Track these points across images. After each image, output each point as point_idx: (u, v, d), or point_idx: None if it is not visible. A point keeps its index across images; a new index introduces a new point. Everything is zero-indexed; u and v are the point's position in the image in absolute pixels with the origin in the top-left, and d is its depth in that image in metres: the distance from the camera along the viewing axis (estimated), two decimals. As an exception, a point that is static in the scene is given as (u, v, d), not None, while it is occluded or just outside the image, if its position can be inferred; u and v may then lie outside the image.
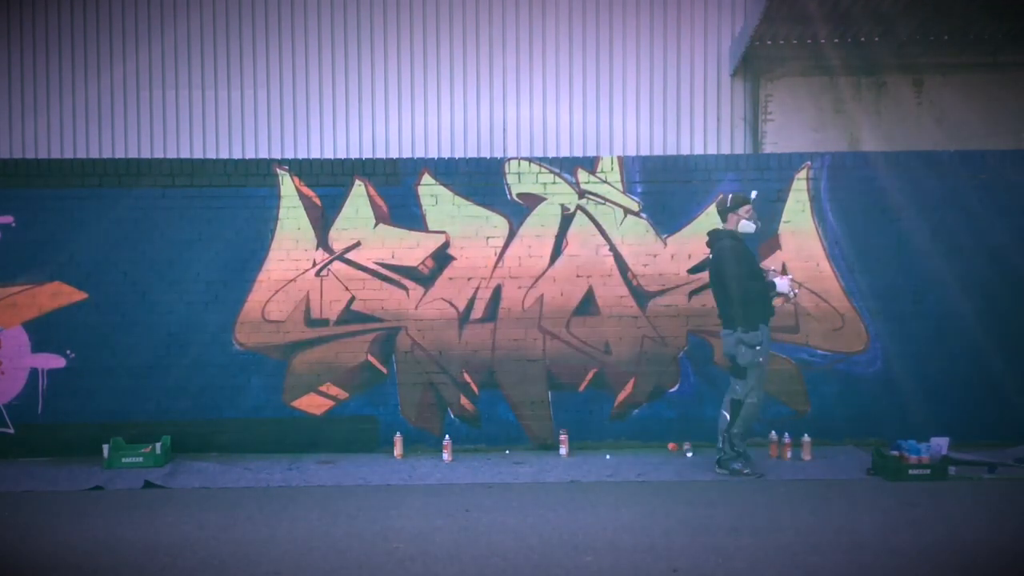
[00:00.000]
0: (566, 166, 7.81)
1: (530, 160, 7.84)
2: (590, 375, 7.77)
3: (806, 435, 7.33)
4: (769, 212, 7.77)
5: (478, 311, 7.79)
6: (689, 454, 7.45)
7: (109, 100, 10.66)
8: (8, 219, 7.61)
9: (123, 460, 7.18)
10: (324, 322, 7.73)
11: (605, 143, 10.63)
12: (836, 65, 10.33)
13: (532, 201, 7.79)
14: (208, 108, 10.66)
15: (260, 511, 5.88)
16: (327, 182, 7.76)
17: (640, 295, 7.80)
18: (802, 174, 7.82)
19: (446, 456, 7.39)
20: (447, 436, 7.53)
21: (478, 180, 7.79)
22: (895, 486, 6.42)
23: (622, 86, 10.64)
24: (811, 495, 6.18)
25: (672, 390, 7.79)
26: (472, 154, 10.40)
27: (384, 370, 7.78)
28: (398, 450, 7.54)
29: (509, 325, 7.77)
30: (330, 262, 7.74)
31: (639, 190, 7.81)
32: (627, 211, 7.81)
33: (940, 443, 6.83)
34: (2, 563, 4.89)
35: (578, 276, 7.78)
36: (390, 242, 7.76)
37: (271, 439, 7.69)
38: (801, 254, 7.81)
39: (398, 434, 7.58)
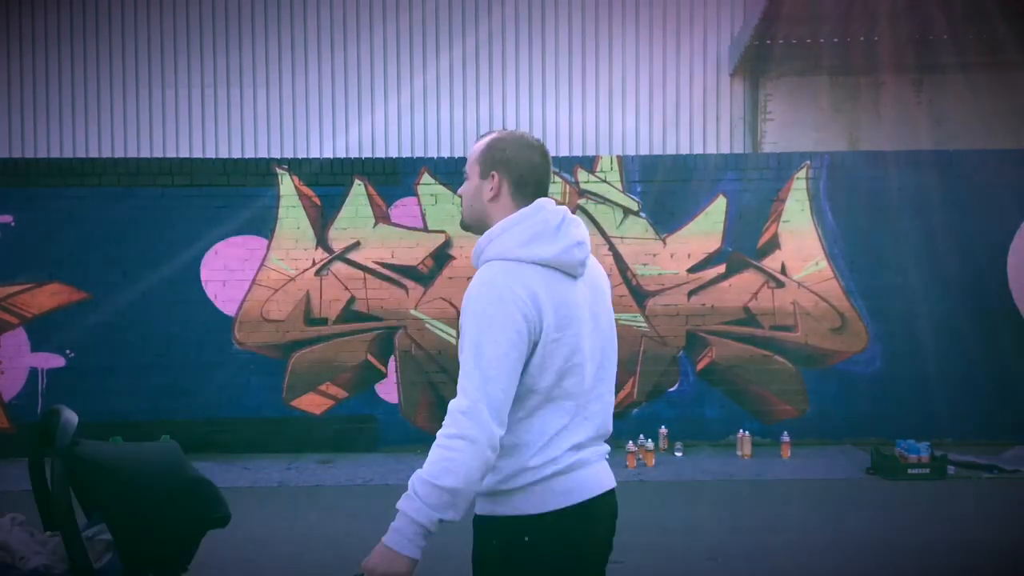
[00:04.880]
0: (565, 165, 7.81)
1: (529, 160, 7.83)
2: (589, 375, 7.75)
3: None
4: (768, 212, 7.79)
5: (477, 311, 7.77)
6: (679, 453, 7.44)
7: (109, 100, 10.66)
8: (8, 219, 7.61)
9: (122, 459, 7.17)
10: (323, 321, 7.73)
11: (604, 142, 10.62)
12: (835, 65, 10.31)
13: (531, 201, 7.78)
14: (208, 108, 10.66)
15: (259, 510, 5.88)
16: (326, 181, 7.76)
17: (639, 294, 7.80)
18: (801, 174, 7.83)
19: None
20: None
21: (477, 179, 7.77)
22: (894, 485, 6.42)
23: (621, 86, 10.63)
24: (811, 495, 6.19)
25: (672, 389, 7.79)
26: (472, 154, 10.40)
27: (384, 369, 7.77)
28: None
29: (508, 325, 7.76)
30: (330, 261, 7.74)
31: (638, 189, 7.81)
32: (626, 210, 7.81)
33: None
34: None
35: (577, 276, 7.77)
36: (390, 241, 7.76)
37: (270, 438, 7.68)
38: (800, 253, 7.81)
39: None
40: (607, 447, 2.04)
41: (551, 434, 1.88)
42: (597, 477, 1.95)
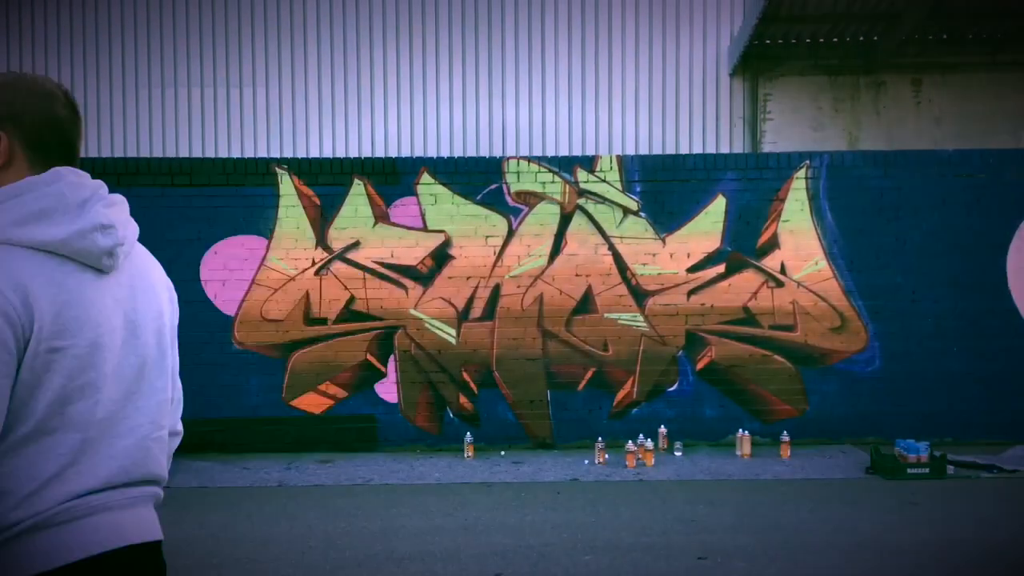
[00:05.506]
0: (565, 165, 7.81)
1: (529, 159, 7.84)
2: (589, 374, 7.77)
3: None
4: (767, 211, 7.80)
5: (477, 310, 7.79)
6: (678, 453, 7.44)
7: (108, 100, 10.66)
8: (7, 218, 7.61)
9: (122, 459, 7.17)
10: (323, 321, 7.74)
11: (604, 142, 10.63)
12: (835, 64, 10.34)
13: (531, 200, 7.79)
14: (208, 107, 10.66)
15: (259, 510, 5.88)
16: (326, 181, 7.76)
17: (639, 294, 7.80)
18: (801, 173, 7.83)
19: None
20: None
21: (477, 179, 7.79)
22: (893, 485, 6.43)
23: (621, 85, 10.64)
24: (810, 494, 6.19)
25: (671, 389, 7.80)
26: (471, 153, 10.41)
27: (383, 369, 7.78)
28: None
29: (508, 324, 7.78)
30: (329, 261, 7.75)
31: (638, 189, 7.82)
32: (626, 210, 7.81)
33: None
34: None
35: (577, 275, 7.79)
36: (389, 241, 7.77)
37: (270, 438, 7.69)
38: (800, 253, 7.81)
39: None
40: (154, 490, 1.62)
41: (43, 479, 1.42)
42: (120, 526, 1.51)
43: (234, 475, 6.93)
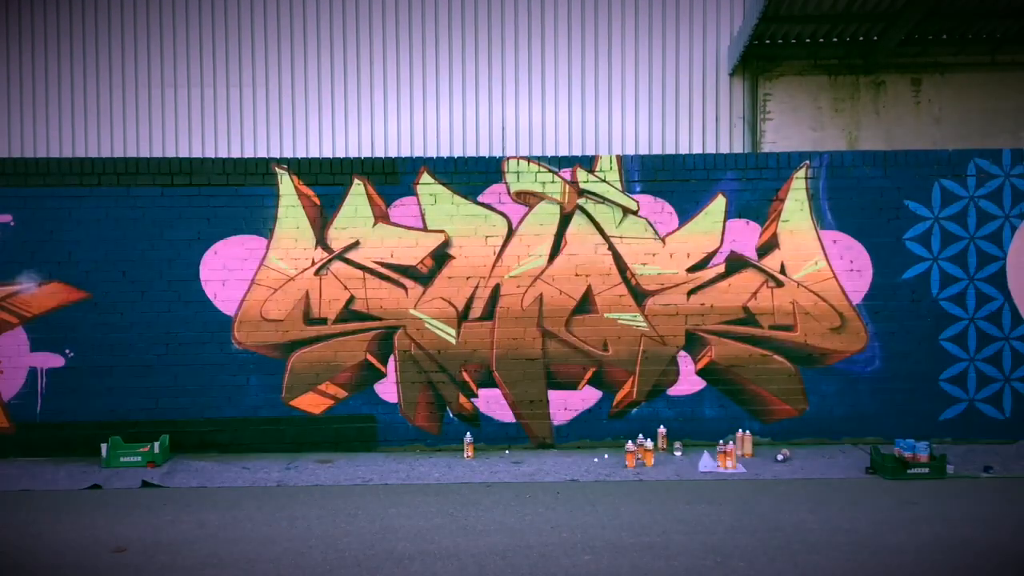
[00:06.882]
0: (565, 165, 7.81)
1: (529, 159, 7.84)
2: (589, 374, 7.77)
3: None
4: (767, 211, 7.80)
5: (477, 310, 7.79)
6: (678, 453, 7.45)
7: (108, 100, 10.66)
8: (7, 218, 7.61)
9: (121, 459, 7.18)
10: (323, 321, 7.74)
11: (604, 142, 10.63)
12: (834, 64, 10.35)
13: (531, 200, 7.79)
14: (207, 107, 10.66)
15: (259, 510, 5.89)
16: (326, 181, 7.76)
17: (639, 294, 7.80)
18: (801, 173, 7.83)
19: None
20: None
21: (477, 179, 7.79)
22: (893, 484, 6.43)
23: (621, 85, 10.64)
24: (810, 494, 6.19)
25: (671, 389, 7.80)
26: (471, 153, 10.41)
27: (383, 369, 7.78)
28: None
29: (508, 324, 7.78)
30: (329, 261, 7.75)
31: (638, 189, 7.82)
32: (626, 210, 7.82)
33: None
34: (0, 561, 4.89)
35: (577, 275, 7.79)
36: (389, 241, 7.77)
37: (270, 438, 7.69)
38: (800, 253, 7.81)
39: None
40: None
41: None
42: None
43: (234, 475, 6.92)
